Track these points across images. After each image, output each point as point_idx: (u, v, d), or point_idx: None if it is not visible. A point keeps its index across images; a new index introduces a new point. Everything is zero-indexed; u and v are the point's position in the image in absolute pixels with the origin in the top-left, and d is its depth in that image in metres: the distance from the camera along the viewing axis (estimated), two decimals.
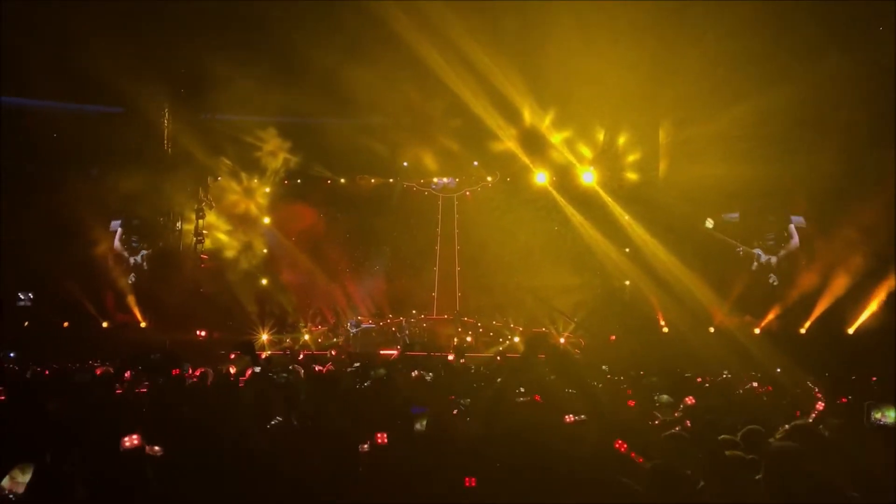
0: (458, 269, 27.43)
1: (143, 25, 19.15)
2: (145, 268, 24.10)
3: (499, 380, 9.37)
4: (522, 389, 8.08)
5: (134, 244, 24.21)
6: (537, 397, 8.11)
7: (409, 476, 5.24)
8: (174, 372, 9.35)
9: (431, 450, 5.73)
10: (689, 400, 7.53)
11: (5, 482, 3.45)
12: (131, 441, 5.09)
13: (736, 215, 23.18)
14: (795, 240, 22.27)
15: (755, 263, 22.82)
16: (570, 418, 7.18)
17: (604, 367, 14.62)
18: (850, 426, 6.46)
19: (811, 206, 21.36)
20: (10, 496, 3.47)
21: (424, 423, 6.09)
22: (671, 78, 19.72)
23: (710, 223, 23.03)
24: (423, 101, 22.20)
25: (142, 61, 19.65)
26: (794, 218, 22.35)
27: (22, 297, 23.46)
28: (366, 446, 5.52)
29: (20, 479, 3.51)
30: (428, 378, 10.74)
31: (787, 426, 5.79)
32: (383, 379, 8.74)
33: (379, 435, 5.59)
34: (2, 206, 20.63)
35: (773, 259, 22.50)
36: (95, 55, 18.34)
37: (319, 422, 6.59)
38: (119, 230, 24.30)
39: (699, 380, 12.62)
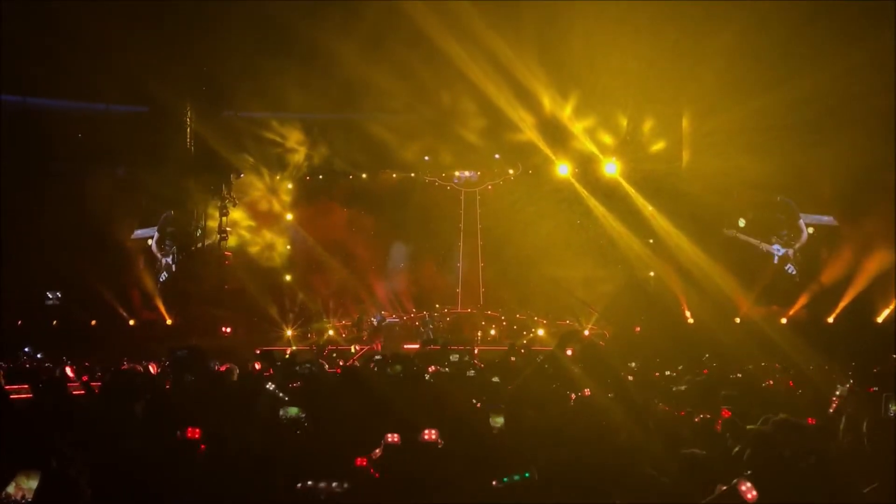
0: (481, 264, 27.45)
1: (166, 25, 19.30)
2: (174, 268, 24.34)
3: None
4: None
5: (167, 247, 24.44)
6: (586, 392, 8.06)
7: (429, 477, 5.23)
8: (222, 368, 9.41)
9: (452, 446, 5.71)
10: (725, 413, 7.48)
11: (11, 489, 3.45)
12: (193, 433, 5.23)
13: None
14: (804, 235, 22.28)
15: (776, 258, 22.71)
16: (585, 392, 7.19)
17: (632, 363, 14.51)
18: (872, 417, 6.40)
19: (836, 196, 21.11)
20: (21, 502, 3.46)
21: (500, 419, 5.98)
22: (694, 69, 19.55)
23: (742, 222, 22.97)
24: (445, 94, 22.19)
25: (165, 60, 19.82)
26: (822, 217, 22.23)
27: (50, 296, 23.76)
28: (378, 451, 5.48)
29: (26, 486, 3.51)
30: (471, 373, 10.61)
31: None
32: (399, 376, 8.72)
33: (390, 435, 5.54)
34: (29, 206, 20.91)
35: (790, 252, 22.46)
36: (119, 55, 18.53)
37: (337, 416, 6.60)
38: (156, 234, 24.53)
39: (705, 371, 12.51)
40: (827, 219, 22.31)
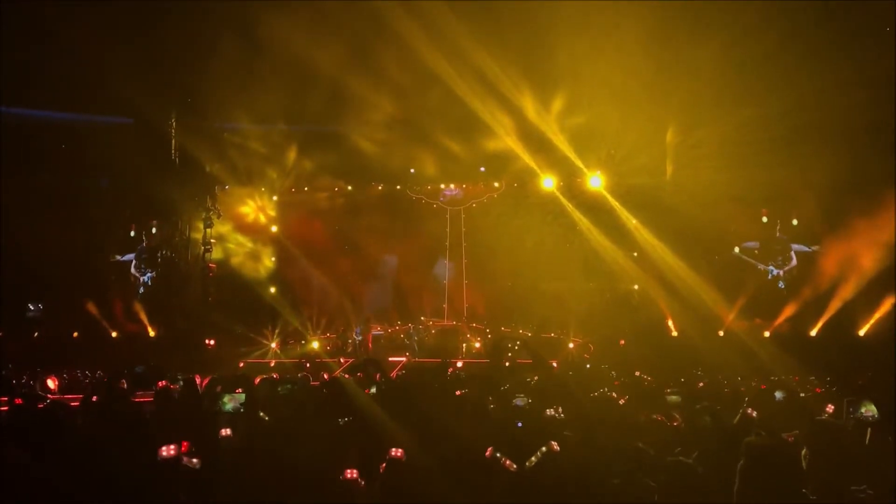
0: (465, 282, 27.52)
1: (151, 36, 19.21)
2: (150, 284, 24.23)
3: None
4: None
5: (143, 270, 24.34)
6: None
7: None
8: (159, 384, 9.38)
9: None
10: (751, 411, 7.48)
11: None
12: (168, 451, 5.19)
13: (756, 244, 23.54)
14: (794, 262, 23.16)
15: (769, 276, 23.20)
16: (550, 412, 7.21)
17: (612, 373, 14.59)
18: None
19: (818, 209, 21.28)
20: None
21: None
22: (677, 82, 19.67)
23: (736, 250, 23.37)
24: (431, 107, 22.19)
25: (150, 71, 19.73)
26: (804, 247, 22.93)
27: (31, 307, 23.54)
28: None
29: None
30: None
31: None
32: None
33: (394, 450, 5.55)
34: (12, 217, 20.70)
35: (781, 272, 23.25)
36: (104, 66, 18.45)
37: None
38: (133, 260, 24.50)
39: (700, 385, 12.53)
40: (808, 249, 22.83)
